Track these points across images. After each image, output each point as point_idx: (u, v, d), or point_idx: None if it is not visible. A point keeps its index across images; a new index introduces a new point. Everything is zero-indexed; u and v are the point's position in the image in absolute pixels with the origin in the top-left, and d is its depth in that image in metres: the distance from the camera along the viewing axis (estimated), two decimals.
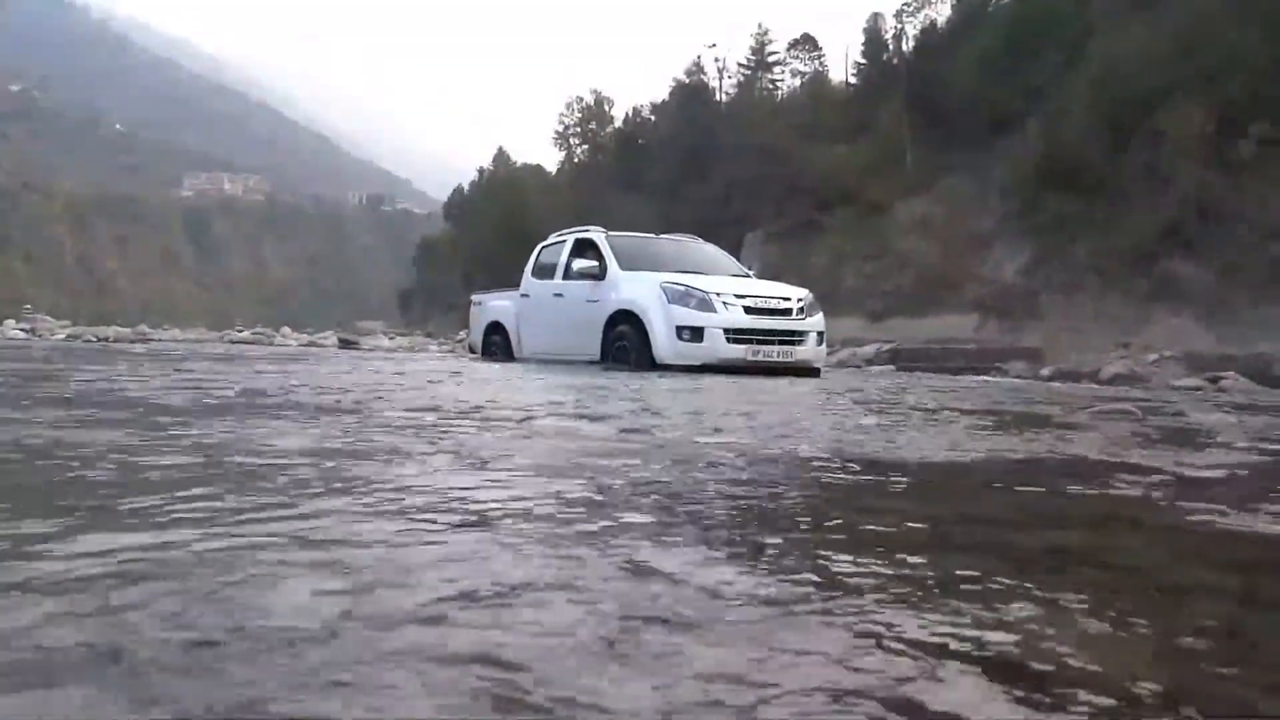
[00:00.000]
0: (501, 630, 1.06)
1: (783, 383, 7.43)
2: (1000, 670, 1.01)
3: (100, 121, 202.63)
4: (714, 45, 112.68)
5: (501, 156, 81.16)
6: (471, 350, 13.39)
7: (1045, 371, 16.27)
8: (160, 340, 27.71)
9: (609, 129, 69.19)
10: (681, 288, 9.26)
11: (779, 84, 61.67)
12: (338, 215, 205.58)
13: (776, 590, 1.28)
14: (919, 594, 1.30)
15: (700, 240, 11.96)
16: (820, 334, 9.80)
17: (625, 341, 9.57)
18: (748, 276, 10.79)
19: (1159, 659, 1.11)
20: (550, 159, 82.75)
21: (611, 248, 10.36)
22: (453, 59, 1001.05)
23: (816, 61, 60.50)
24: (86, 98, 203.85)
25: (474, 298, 13.42)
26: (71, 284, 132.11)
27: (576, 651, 1.01)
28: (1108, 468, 2.88)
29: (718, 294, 9.23)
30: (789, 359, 9.35)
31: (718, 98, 59.99)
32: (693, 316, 9.09)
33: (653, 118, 63.46)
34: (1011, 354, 19.35)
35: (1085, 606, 1.28)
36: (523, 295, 11.68)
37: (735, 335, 9.09)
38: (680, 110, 57.08)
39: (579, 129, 71.17)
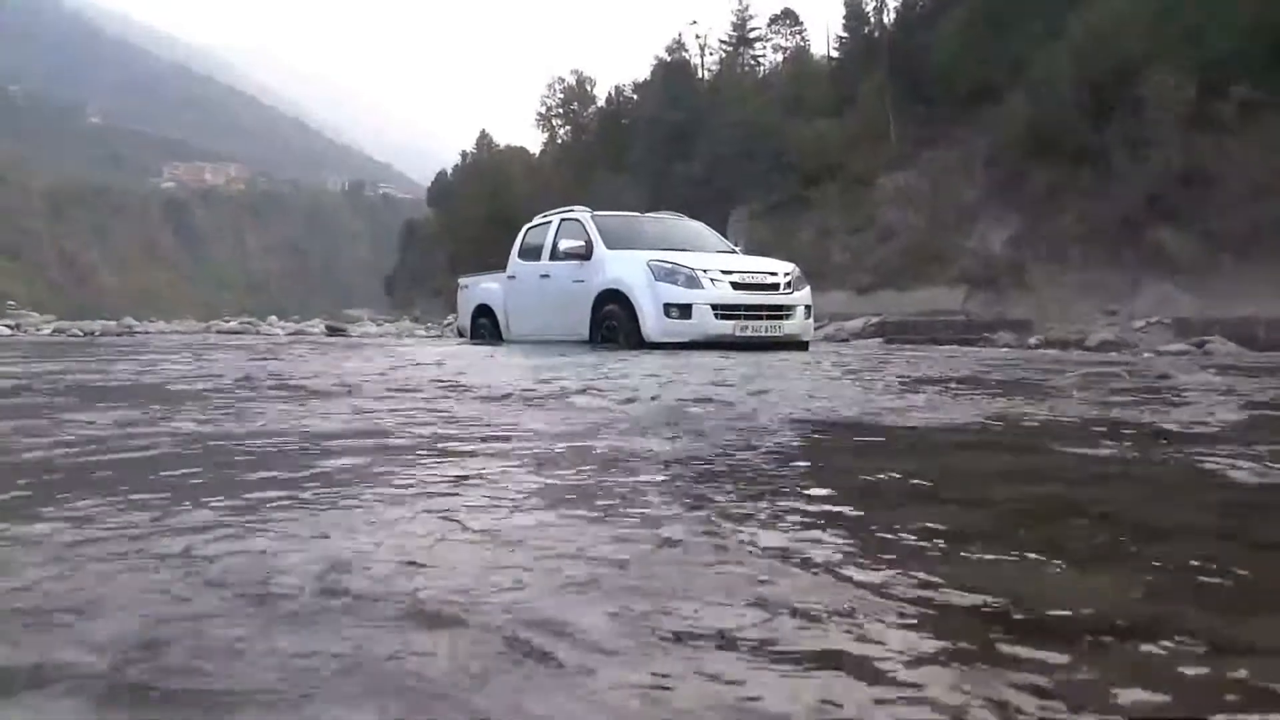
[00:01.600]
0: None
1: (771, 357, 7.48)
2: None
3: (76, 113, 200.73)
4: (695, 22, 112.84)
5: (484, 139, 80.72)
6: (460, 334, 13.39)
7: (1033, 340, 16.37)
8: (147, 333, 27.62)
9: (591, 109, 68.89)
10: (668, 265, 9.28)
11: (761, 60, 61.49)
12: (319, 202, 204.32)
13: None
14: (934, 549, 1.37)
15: (685, 218, 11.97)
16: (808, 308, 9.83)
17: (614, 321, 9.57)
18: (734, 253, 10.78)
19: (1134, 593, 1.18)
20: (533, 141, 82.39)
21: (597, 227, 10.36)
22: (432, 42, 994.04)
23: (798, 36, 60.35)
24: (61, 90, 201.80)
25: (461, 281, 13.44)
26: (52, 278, 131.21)
27: None
28: (1093, 425, 2.96)
29: (704, 270, 9.24)
30: (777, 333, 9.38)
31: (700, 75, 59.77)
32: (680, 294, 9.10)
33: (635, 97, 63.17)
34: (999, 324, 19.45)
35: (1068, 548, 1.36)
36: (509, 277, 11.68)
37: (723, 311, 9.11)
38: (663, 89, 56.82)
39: (561, 110, 70.84)
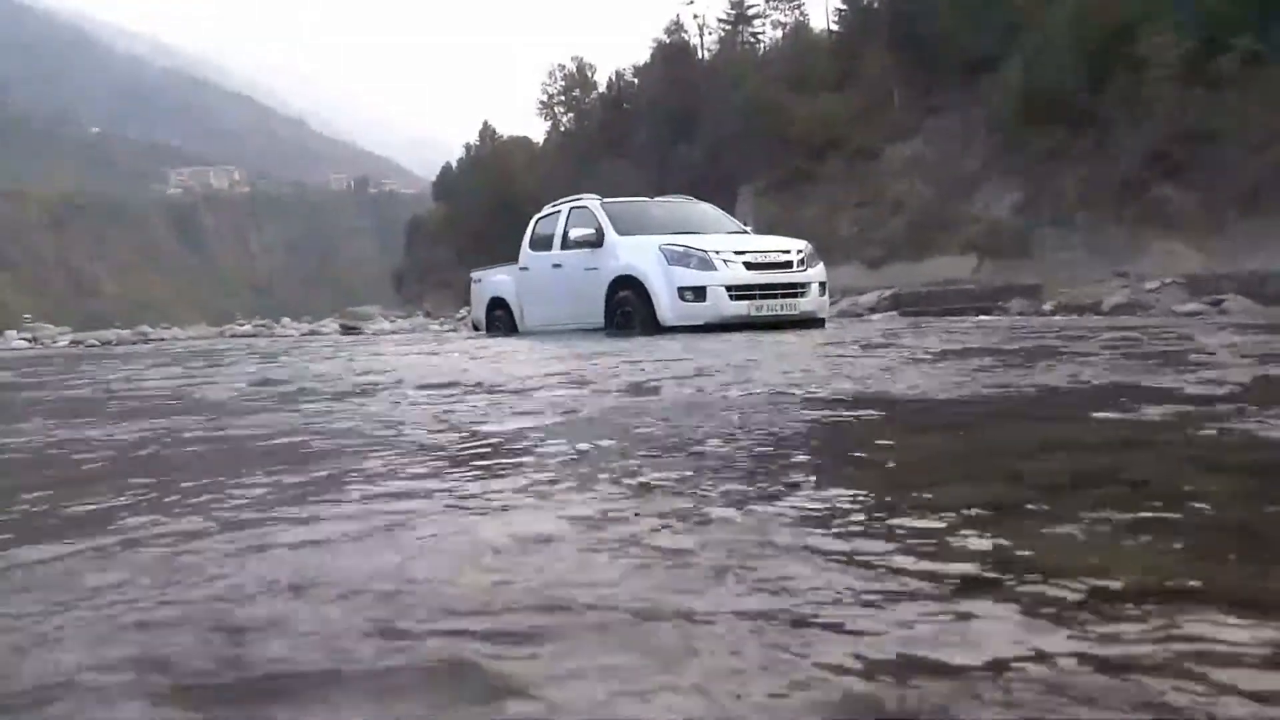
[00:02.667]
0: None
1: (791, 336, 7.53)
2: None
3: (72, 123, 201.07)
4: (692, 2, 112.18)
5: (487, 130, 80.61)
6: (475, 327, 13.38)
7: (1047, 306, 16.38)
8: (162, 339, 27.80)
9: (593, 95, 68.75)
10: (680, 248, 9.27)
11: (760, 37, 61.21)
12: (323, 201, 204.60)
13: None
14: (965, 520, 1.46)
15: (695, 200, 11.95)
16: (822, 284, 9.79)
17: (628, 307, 9.53)
18: (745, 233, 10.74)
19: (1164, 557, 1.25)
20: (536, 130, 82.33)
21: (607, 214, 10.32)
22: (431, 35, 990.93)
23: (796, 11, 60.10)
24: (56, 100, 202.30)
25: (473, 275, 13.41)
26: (56, 289, 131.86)
27: None
28: (1120, 392, 3.02)
29: (717, 252, 9.22)
30: (792, 312, 9.34)
31: (699, 55, 59.58)
32: (694, 276, 9.10)
33: (636, 80, 63.02)
34: (1011, 292, 19.47)
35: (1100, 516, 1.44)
36: (522, 269, 11.66)
37: (738, 292, 9.09)
38: (663, 71, 56.69)
39: (563, 97, 70.71)
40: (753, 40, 60.92)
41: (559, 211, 11.16)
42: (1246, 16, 23.77)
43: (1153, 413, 2.47)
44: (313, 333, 29.79)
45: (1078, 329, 6.76)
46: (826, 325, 9.93)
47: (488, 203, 60.95)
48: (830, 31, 52.57)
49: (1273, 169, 21.64)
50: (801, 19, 59.28)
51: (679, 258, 9.19)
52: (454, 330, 23.09)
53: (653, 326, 9.19)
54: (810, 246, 9.94)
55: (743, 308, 9.08)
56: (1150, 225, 24.12)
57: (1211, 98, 23.94)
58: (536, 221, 11.69)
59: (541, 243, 11.32)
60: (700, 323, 8.92)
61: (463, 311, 37.96)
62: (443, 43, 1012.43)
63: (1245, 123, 22.85)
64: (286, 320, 40.16)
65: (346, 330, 28.80)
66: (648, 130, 52.32)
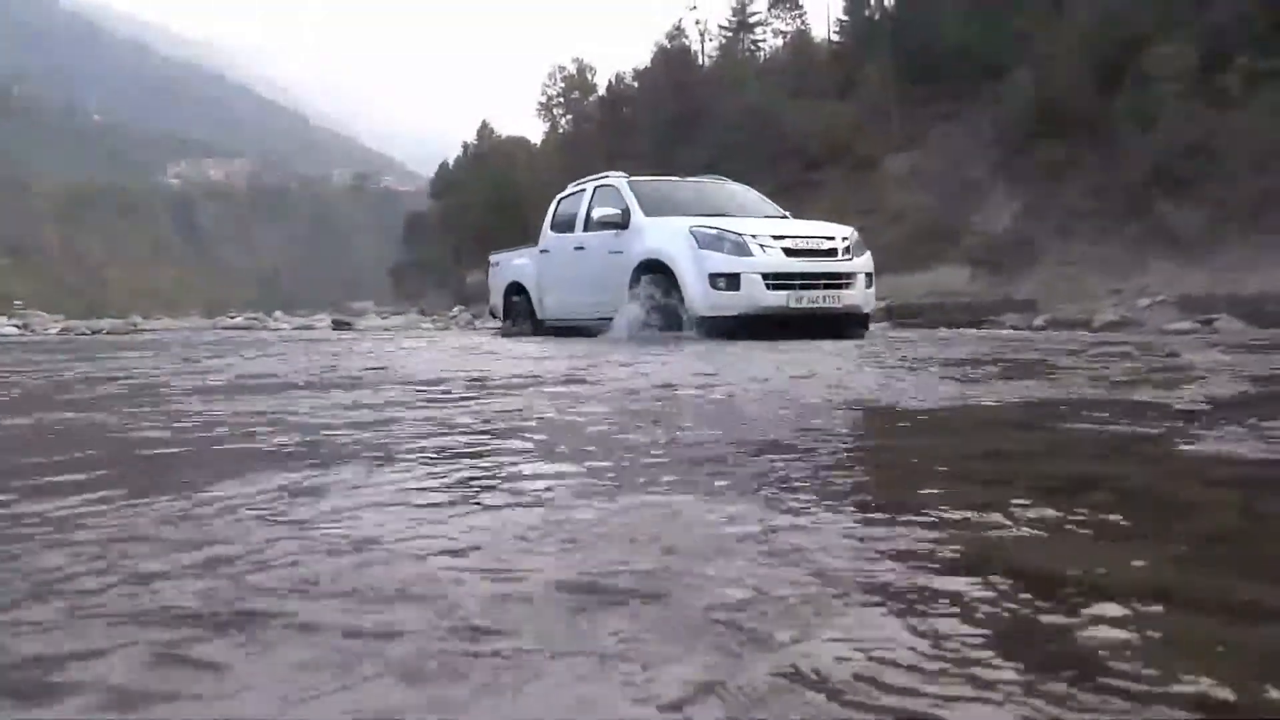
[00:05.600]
0: None
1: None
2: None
3: (77, 112, 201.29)
4: (694, 8, 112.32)
5: (485, 130, 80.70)
6: (493, 315, 12.65)
7: (1039, 321, 16.32)
8: (154, 330, 27.68)
9: (593, 97, 68.81)
10: (713, 231, 8.40)
11: (761, 44, 61.28)
12: (324, 196, 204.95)
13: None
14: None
15: (730, 181, 11.12)
16: (869, 275, 8.92)
17: (656, 294, 8.65)
18: (784, 218, 9.94)
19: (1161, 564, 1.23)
20: (535, 130, 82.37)
21: (635, 193, 9.52)
22: (433, 33, 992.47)
23: (798, 20, 60.14)
24: (62, 89, 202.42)
25: (491, 258, 12.66)
26: (60, 278, 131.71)
27: None
28: (1103, 406, 2.95)
29: (753, 236, 8.37)
30: (835, 304, 8.51)
31: (700, 61, 59.62)
32: (727, 262, 8.23)
33: (636, 84, 63.06)
34: (1005, 306, 19.41)
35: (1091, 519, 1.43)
36: (542, 251, 10.88)
37: (775, 281, 8.24)
38: (664, 75, 56.71)
39: (563, 99, 70.80)
40: (754, 48, 60.99)
41: (583, 190, 10.42)
42: (1253, 33, 23.81)
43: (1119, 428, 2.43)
44: (305, 327, 29.65)
45: (1064, 344, 6.69)
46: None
47: (485, 202, 61.01)
48: (831, 41, 52.63)
49: (1276, 188, 21.61)
50: (803, 28, 59.40)
51: (711, 241, 8.34)
52: (445, 328, 22.98)
53: (678, 318, 8.39)
54: (856, 234, 9.15)
55: (781, 298, 8.24)
56: (1152, 241, 24.08)
57: (1216, 114, 23.96)
58: (560, 200, 10.94)
59: (564, 224, 10.54)
60: (733, 314, 8.14)
61: (455, 309, 37.93)
62: (448, 42, 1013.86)
63: (1250, 140, 22.84)
64: (279, 314, 40.06)
65: (338, 325, 28.66)
66: (647, 134, 52.32)
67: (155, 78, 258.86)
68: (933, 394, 3.39)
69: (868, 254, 9.05)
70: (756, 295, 8.17)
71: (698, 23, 61.38)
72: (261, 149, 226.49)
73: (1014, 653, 0.92)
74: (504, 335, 11.05)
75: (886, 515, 1.51)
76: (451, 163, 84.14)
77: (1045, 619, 1.03)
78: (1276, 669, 0.88)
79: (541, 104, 71.64)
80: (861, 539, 1.36)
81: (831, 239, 8.74)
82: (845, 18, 50.55)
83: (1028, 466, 2.06)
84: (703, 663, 0.89)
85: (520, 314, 11.36)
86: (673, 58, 58.78)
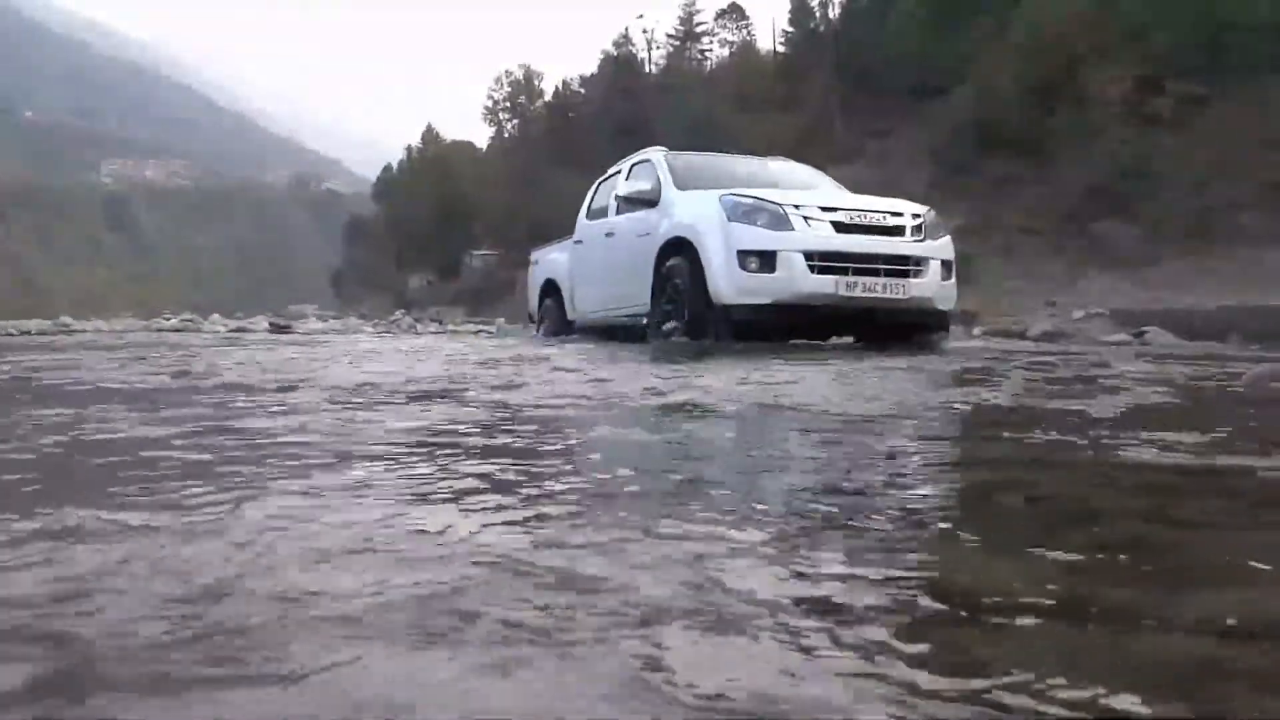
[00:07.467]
0: None
1: None
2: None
3: (7, 109, 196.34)
4: (641, 16, 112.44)
5: (430, 133, 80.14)
6: (530, 319, 11.11)
7: (976, 331, 16.54)
8: (83, 331, 27.01)
9: (539, 103, 68.69)
10: (748, 201, 6.74)
11: (708, 54, 61.76)
12: (264, 198, 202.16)
13: None
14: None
15: (791, 160, 9.82)
16: (947, 264, 7.02)
17: (678, 280, 7.03)
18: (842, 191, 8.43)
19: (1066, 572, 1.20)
20: (481, 135, 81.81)
21: (670, 166, 8.05)
22: (375, 34, 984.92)
23: (745, 31, 60.72)
24: None
25: (532, 256, 11.28)
26: None
27: None
28: (1024, 414, 2.97)
29: (796, 207, 6.70)
30: (899, 295, 6.64)
31: (647, 70, 59.82)
32: (761, 237, 6.59)
33: (583, 91, 63.09)
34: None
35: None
36: (575, 242, 9.53)
37: (821, 262, 6.52)
38: (611, 82, 56.82)
39: (509, 104, 70.55)
40: (700, 57, 61.38)
41: (620, 171, 9.12)
42: (1191, 58, 24.44)
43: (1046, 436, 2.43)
44: (241, 330, 29.15)
45: (1000, 353, 6.73)
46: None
47: (428, 206, 60.53)
48: (777, 53, 53.11)
49: (1208, 209, 22.18)
50: (749, 39, 59.95)
51: (744, 213, 6.69)
52: (387, 331, 22.72)
53: (700, 310, 6.79)
54: (933, 212, 7.31)
55: (828, 284, 6.49)
56: (1091, 257, 24.57)
57: (1151, 136, 24.55)
58: (598, 186, 9.64)
59: (600, 212, 9.15)
60: (767, 301, 6.54)
61: (397, 313, 37.48)
62: (393, 45, 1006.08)
63: (1183, 162, 23.44)
64: (215, 316, 39.27)
65: (277, 329, 28.21)
66: (593, 141, 52.35)
67: (93, 76, 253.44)
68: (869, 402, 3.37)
69: (947, 238, 7.22)
70: (797, 279, 6.51)
71: (645, 31, 61.61)
72: (201, 149, 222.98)
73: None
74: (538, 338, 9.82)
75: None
76: (395, 166, 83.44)
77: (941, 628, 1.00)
78: (1169, 678, 0.87)
79: (487, 109, 71.36)
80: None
81: (898, 214, 6.96)
82: (790, 29, 51.04)
83: (938, 473, 2.05)
84: None
85: (550, 316, 10.06)
86: (620, 65, 58.94)
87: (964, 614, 1.04)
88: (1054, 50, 28.01)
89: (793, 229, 6.58)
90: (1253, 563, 1.24)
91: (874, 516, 1.51)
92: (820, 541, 1.35)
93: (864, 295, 6.54)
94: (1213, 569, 1.27)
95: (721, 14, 60.97)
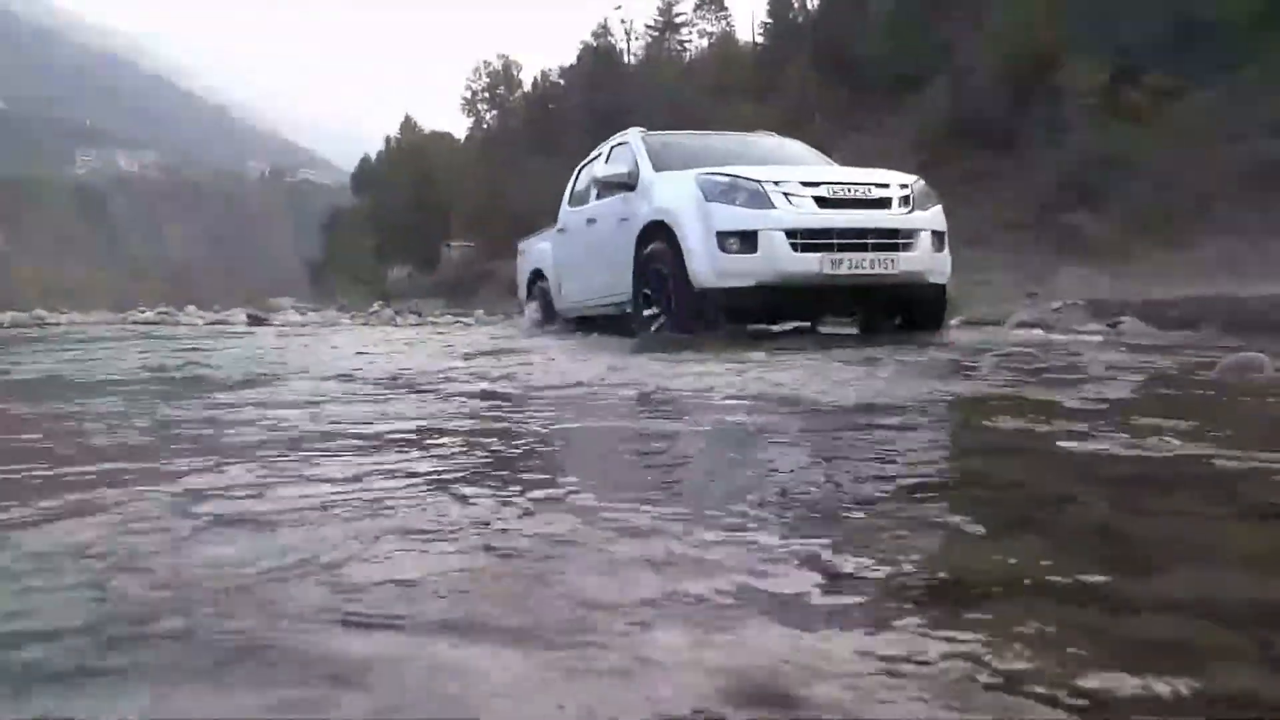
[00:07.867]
0: None
1: None
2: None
3: None
4: (620, 7, 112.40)
5: (409, 124, 79.72)
6: (521, 310, 10.83)
7: (954, 322, 16.62)
8: (58, 324, 26.76)
9: (518, 94, 68.45)
10: (725, 180, 6.50)
11: (686, 45, 61.64)
12: (240, 189, 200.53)
13: None
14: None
15: (778, 136, 9.49)
16: (938, 234, 6.76)
17: (660, 266, 6.77)
18: (829, 166, 8.11)
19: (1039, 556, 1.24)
20: (459, 126, 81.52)
21: (647, 147, 7.79)
22: (353, 24, 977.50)
23: (723, 22, 60.65)
24: None
25: (519, 246, 11.12)
26: None
27: None
28: (1000, 402, 3.02)
29: (776, 183, 6.43)
30: (889, 270, 6.41)
31: (626, 60, 59.70)
32: (740, 217, 6.35)
33: (561, 81, 62.92)
34: None
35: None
36: (559, 231, 9.31)
37: (804, 239, 6.27)
38: (589, 73, 56.68)
39: (487, 94, 70.28)
40: (679, 48, 61.31)
41: (600, 154, 8.86)
42: (1164, 49, 24.63)
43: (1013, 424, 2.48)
44: (219, 322, 28.96)
45: (979, 344, 6.76)
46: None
47: (407, 197, 60.29)
48: (755, 44, 53.11)
49: (1181, 201, 22.38)
50: (728, 29, 59.90)
51: (722, 192, 6.46)
52: (365, 324, 22.64)
53: (682, 297, 6.53)
54: (922, 182, 7.01)
55: (811, 262, 6.24)
56: (1065, 249, 24.73)
57: (1127, 128, 24.74)
58: (579, 170, 9.41)
59: (581, 196, 8.93)
60: (751, 283, 6.30)
61: (375, 305, 37.28)
62: (371, 35, 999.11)
63: (1157, 155, 23.63)
64: (192, 309, 38.99)
65: (254, 321, 28.05)
66: (572, 131, 52.25)
67: (66, 66, 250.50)
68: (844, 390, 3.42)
69: (938, 207, 6.90)
70: (779, 258, 6.26)
71: (624, 22, 61.44)
72: (175, 139, 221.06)
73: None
74: (525, 335, 9.31)
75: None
76: (374, 157, 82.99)
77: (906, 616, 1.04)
78: (1130, 657, 0.90)
79: (466, 99, 71.05)
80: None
81: (884, 185, 6.67)
82: (769, 20, 51.04)
83: (908, 468, 2.08)
84: None
85: (538, 307, 9.85)
86: (598, 56, 58.80)
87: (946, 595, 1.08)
88: (1028, 42, 28.18)
89: (773, 206, 6.34)
90: (1211, 548, 1.30)
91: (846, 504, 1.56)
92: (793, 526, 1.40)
93: (851, 272, 6.30)
94: (1173, 554, 1.32)
95: (700, 4, 60.87)
